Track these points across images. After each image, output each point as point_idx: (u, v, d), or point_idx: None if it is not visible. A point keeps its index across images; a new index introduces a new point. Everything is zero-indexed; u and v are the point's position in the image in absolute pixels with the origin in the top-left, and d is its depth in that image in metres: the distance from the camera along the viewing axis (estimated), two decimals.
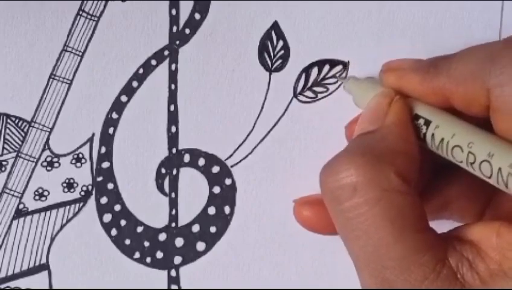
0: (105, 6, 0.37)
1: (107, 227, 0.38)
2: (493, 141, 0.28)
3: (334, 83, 0.37)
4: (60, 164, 0.37)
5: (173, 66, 0.37)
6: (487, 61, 0.27)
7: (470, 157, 0.28)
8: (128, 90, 0.37)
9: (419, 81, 0.31)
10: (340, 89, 0.37)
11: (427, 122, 0.30)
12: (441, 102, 0.30)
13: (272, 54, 0.37)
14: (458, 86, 0.29)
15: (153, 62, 0.37)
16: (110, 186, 0.38)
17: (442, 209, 0.33)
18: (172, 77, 0.37)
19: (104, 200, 0.38)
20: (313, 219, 0.34)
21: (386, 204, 0.27)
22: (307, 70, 0.37)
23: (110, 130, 0.37)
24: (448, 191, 0.33)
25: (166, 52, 0.37)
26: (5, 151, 0.37)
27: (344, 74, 0.37)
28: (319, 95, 0.37)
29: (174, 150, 0.38)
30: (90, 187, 0.38)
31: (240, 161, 0.37)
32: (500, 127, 0.27)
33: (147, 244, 0.38)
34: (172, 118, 0.37)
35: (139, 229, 0.38)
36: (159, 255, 0.38)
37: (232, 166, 0.37)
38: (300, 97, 0.37)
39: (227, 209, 0.38)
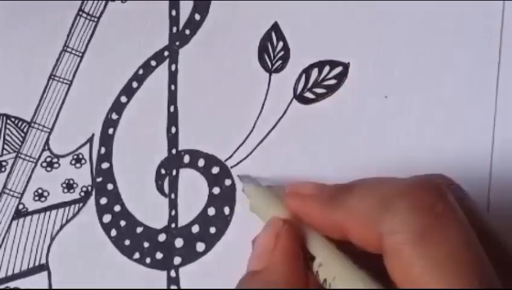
0: (105, 6, 0.37)
1: (106, 227, 0.38)
2: None
3: (335, 83, 0.37)
4: (59, 165, 0.37)
5: (173, 67, 0.37)
6: (381, 205, 0.27)
7: None
8: (128, 90, 0.37)
9: (318, 212, 0.30)
10: (341, 89, 0.37)
11: (312, 258, 0.30)
12: (339, 235, 0.30)
13: (272, 55, 0.37)
14: (353, 223, 0.28)
15: (153, 63, 0.37)
16: (110, 186, 0.38)
17: None
18: (172, 77, 0.37)
19: (103, 200, 0.38)
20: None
21: None
22: (307, 71, 0.37)
23: (110, 131, 0.37)
24: None
25: (166, 53, 0.37)
26: (5, 152, 0.37)
27: (244, 175, 0.37)
28: (319, 96, 0.37)
29: (173, 151, 0.38)
30: (89, 188, 0.38)
31: (240, 162, 0.37)
32: (390, 269, 0.27)
33: (146, 244, 0.38)
34: (172, 118, 0.37)
35: (139, 229, 0.38)
36: (159, 255, 0.38)
37: (231, 167, 0.37)
38: (300, 98, 0.37)
39: (226, 210, 0.38)
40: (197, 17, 0.37)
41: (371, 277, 0.28)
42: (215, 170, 0.37)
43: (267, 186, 0.35)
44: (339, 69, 0.37)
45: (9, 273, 0.37)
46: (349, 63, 0.37)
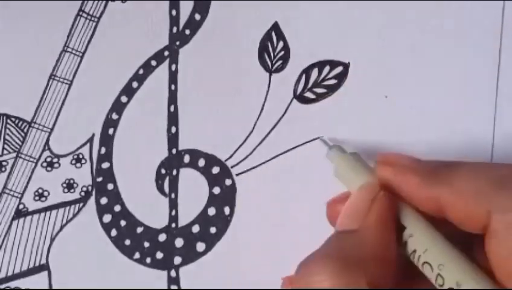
0: (105, 6, 0.37)
1: (107, 227, 0.38)
2: (464, 269, 0.27)
3: (335, 83, 0.37)
4: (60, 165, 0.37)
5: (173, 67, 0.37)
6: (495, 183, 0.27)
7: (438, 279, 0.28)
8: (129, 90, 0.37)
9: (416, 184, 0.30)
10: (341, 89, 0.37)
11: (402, 228, 0.30)
12: (434, 210, 0.30)
13: (272, 55, 0.37)
14: (458, 200, 0.28)
15: (153, 63, 0.37)
16: (110, 186, 0.38)
17: None
18: (173, 77, 0.37)
19: (104, 200, 0.38)
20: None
21: None
22: (307, 71, 0.37)
23: (110, 131, 0.37)
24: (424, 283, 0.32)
25: (166, 53, 0.37)
26: (5, 152, 0.37)
27: (327, 139, 0.36)
28: (319, 96, 0.37)
29: (174, 151, 0.38)
30: (90, 188, 0.38)
31: (240, 162, 0.37)
32: (493, 250, 0.27)
33: (146, 244, 0.38)
34: (173, 118, 0.37)
35: (139, 229, 0.38)
36: (159, 255, 0.38)
37: (232, 167, 0.37)
38: (301, 98, 0.37)
39: (227, 210, 0.38)
40: (197, 17, 0.37)
41: (463, 253, 0.28)
42: (215, 169, 0.37)
43: (352, 152, 0.35)
44: (339, 69, 0.37)
45: (10, 273, 0.37)
46: (349, 63, 0.37)
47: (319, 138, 0.36)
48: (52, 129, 0.37)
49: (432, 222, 0.30)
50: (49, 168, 0.37)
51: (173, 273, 0.38)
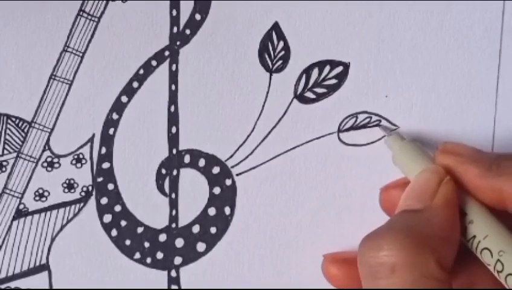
0: (105, 6, 0.37)
1: (107, 227, 0.38)
2: None
3: (335, 83, 0.37)
4: (60, 165, 0.37)
5: (174, 67, 0.37)
6: None
7: (498, 265, 0.28)
8: (129, 90, 0.37)
9: (478, 175, 0.30)
10: (341, 89, 0.37)
11: (463, 214, 0.30)
12: (495, 202, 0.30)
13: (272, 55, 0.37)
14: None
15: (154, 63, 0.37)
16: (111, 186, 0.38)
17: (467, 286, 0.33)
18: (173, 77, 0.37)
19: (104, 200, 0.38)
20: (341, 278, 0.34)
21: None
22: (307, 71, 0.37)
23: (111, 131, 0.37)
24: (475, 270, 0.32)
25: (166, 53, 0.37)
26: (6, 152, 0.37)
27: (387, 125, 0.37)
28: (320, 96, 0.37)
29: (174, 151, 0.38)
30: (90, 188, 0.38)
31: (241, 162, 0.37)
32: None
33: (147, 244, 0.38)
34: (173, 118, 0.37)
35: (140, 229, 0.38)
36: (159, 255, 0.38)
37: (232, 167, 0.37)
38: (301, 98, 0.37)
39: (227, 210, 0.38)
40: (198, 17, 0.37)
41: None
42: (215, 169, 0.37)
43: (411, 139, 0.35)
44: (339, 69, 0.37)
45: (10, 273, 0.37)
46: (349, 62, 0.37)
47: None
48: (52, 129, 0.37)
49: (492, 213, 0.30)
50: (49, 168, 0.37)
51: (173, 273, 0.38)
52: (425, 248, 0.28)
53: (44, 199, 0.37)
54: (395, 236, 0.28)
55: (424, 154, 0.33)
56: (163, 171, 0.38)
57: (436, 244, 0.28)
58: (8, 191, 0.37)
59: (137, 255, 0.38)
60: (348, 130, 0.37)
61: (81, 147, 0.37)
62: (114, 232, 0.38)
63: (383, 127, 0.36)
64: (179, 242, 0.38)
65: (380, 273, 0.28)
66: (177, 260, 0.38)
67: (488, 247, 0.29)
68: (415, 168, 0.32)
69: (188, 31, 0.37)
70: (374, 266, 0.28)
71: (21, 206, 0.37)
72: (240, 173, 0.38)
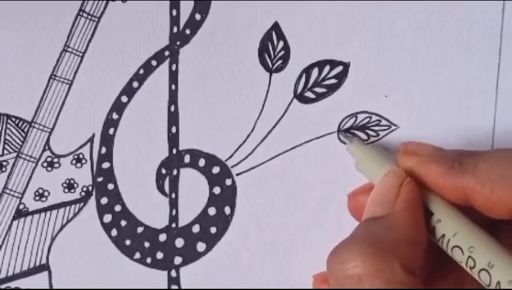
0: (105, 6, 0.37)
1: (107, 227, 0.38)
2: (495, 250, 0.27)
3: (335, 83, 0.37)
4: (60, 165, 0.37)
5: (173, 67, 0.37)
6: None
7: (469, 261, 0.28)
8: (129, 90, 0.37)
9: (441, 174, 0.30)
10: (341, 89, 0.37)
11: (429, 214, 0.30)
12: (460, 200, 0.30)
13: (272, 55, 0.37)
14: (484, 187, 0.29)
15: (154, 63, 0.37)
16: (111, 186, 0.38)
17: None
18: (173, 77, 0.37)
19: (104, 200, 0.38)
20: None
21: None
22: (307, 70, 0.37)
23: (111, 131, 0.37)
24: (457, 274, 0.32)
25: (166, 53, 0.37)
26: (6, 152, 0.37)
27: (348, 133, 0.37)
28: (320, 96, 0.37)
29: (174, 151, 0.38)
30: (90, 187, 0.38)
31: (241, 162, 0.37)
32: None
33: (147, 244, 0.38)
34: (173, 118, 0.37)
35: (140, 229, 0.38)
36: (159, 255, 0.38)
37: (232, 166, 0.37)
38: (301, 98, 0.37)
39: (227, 210, 0.38)
40: (198, 17, 0.37)
41: (491, 236, 0.28)
42: (215, 169, 0.37)
43: (372, 144, 0.35)
44: (339, 69, 0.37)
45: (10, 273, 0.37)
46: (349, 62, 0.37)
47: (326, 135, 0.37)
48: (52, 129, 0.37)
49: (459, 210, 0.30)
50: (49, 168, 0.37)
51: (173, 273, 0.38)
52: (389, 254, 0.28)
53: (44, 198, 0.37)
54: (358, 247, 0.28)
55: (387, 158, 0.33)
56: (163, 171, 0.38)
57: (401, 249, 0.28)
58: (8, 191, 0.37)
59: (137, 255, 0.38)
60: (347, 130, 0.37)
61: (81, 147, 0.37)
62: (114, 232, 0.38)
63: (343, 135, 0.36)
64: (179, 242, 0.38)
65: (347, 284, 0.28)
66: (177, 260, 0.38)
67: (458, 244, 0.29)
68: (378, 172, 0.32)
69: (188, 31, 0.37)
70: (341, 278, 0.28)
71: (21, 206, 0.37)
72: (240, 173, 0.38)
